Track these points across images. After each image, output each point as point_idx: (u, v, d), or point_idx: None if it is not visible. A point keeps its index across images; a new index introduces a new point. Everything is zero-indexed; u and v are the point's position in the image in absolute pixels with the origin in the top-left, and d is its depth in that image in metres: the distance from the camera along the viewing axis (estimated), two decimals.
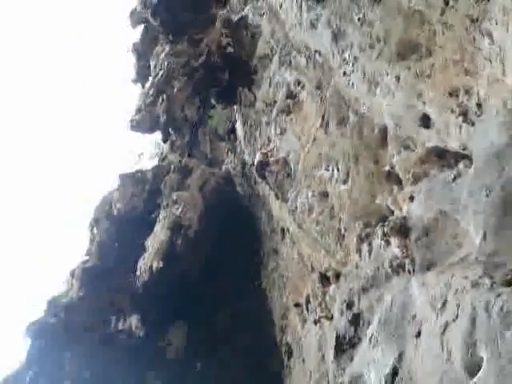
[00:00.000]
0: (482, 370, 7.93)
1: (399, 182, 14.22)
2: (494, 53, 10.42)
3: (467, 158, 11.60)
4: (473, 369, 8.14)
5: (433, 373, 9.17)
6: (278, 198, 21.58)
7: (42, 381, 29.51)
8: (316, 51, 18.17)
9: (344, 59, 16.15)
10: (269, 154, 21.65)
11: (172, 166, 31.19)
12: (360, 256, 15.14)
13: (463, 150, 11.70)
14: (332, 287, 17.32)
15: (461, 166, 11.76)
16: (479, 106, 11.07)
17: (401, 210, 13.94)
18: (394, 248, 13.26)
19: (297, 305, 21.26)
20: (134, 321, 28.37)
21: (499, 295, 8.10)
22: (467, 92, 11.46)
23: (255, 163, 22.31)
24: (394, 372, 10.82)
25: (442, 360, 8.95)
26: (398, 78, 13.66)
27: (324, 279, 17.97)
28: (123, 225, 30.33)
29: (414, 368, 10.14)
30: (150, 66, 33.41)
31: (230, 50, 26.84)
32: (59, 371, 28.83)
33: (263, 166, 21.64)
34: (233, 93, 26.71)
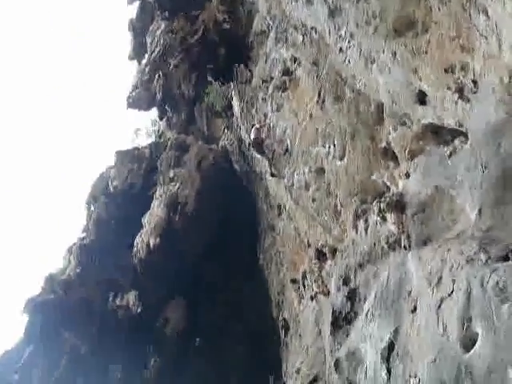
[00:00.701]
0: (477, 344, 8.00)
1: (395, 159, 14.26)
2: (489, 29, 10.39)
3: (463, 134, 11.62)
4: (468, 343, 8.21)
5: (428, 347, 9.24)
6: (273, 176, 21.60)
7: (41, 356, 29.69)
8: (312, 28, 18.09)
9: (340, 36, 16.08)
10: (262, 129, 21.66)
11: (169, 143, 31.17)
12: (356, 232, 15.19)
13: (459, 126, 11.71)
14: (328, 263, 17.40)
15: (457, 142, 11.78)
16: (475, 82, 11.07)
17: (397, 186, 13.99)
18: (390, 224, 13.31)
19: (293, 281, 21.36)
20: (131, 297, 28.49)
21: (494, 270, 8.15)
22: (463, 68, 11.44)
23: (251, 139, 22.34)
24: (390, 346, 10.89)
25: (438, 335, 9.01)
26: (394, 55, 13.61)
27: (320, 255, 18.05)
28: (120, 202, 30.38)
29: (409, 343, 10.21)
30: (146, 42, 33.30)
31: (226, 26, 26.73)
32: (58, 346, 28.99)
33: (259, 141, 21.67)
34: (229, 69, 26.63)
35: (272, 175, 21.60)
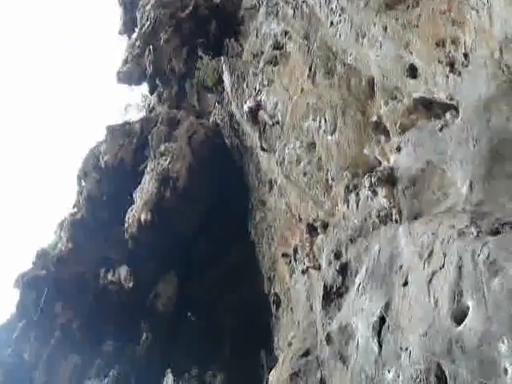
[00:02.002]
0: (468, 317, 8.05)
1: (387, 133, 14.25)
2: (480, 2, 10.38)
3: (454, 108, 11.63)
4: (459, 316, 8.26)
5: (420, 321, 9.29)
6: (263, 150, 21.58)
7: (34, 330, 29.76)
8: (303, 1, 18.06)
9: (331, 9, 16.04)
10: (257, 100, 21.64)
11: (160, 118, 31.03)
12: (348, 206, 15.21)
13: (450, 100, 11.71)
14: (320, 237, 17.43)
15: (448, 116, 11.79)
16: (466, 56, 11.07)
17: (388, 160, 13.99)
18: (382, 198, 13.34)
19: (285, 255, 21.37)
20: (123, 272, 28.53)
21: (485, 244, 8.19)
22: (454, 42, 11.44)
23: (247, 108, 22.25)
24: (382, 320, 10.94)
25: (429, 308, 9.06)
26: (385, 29, 13.59)
27: (312, 229, 18.06)
28: (111, 177, 30.30)
29: (401, 316, 10.26)
30: (136, 17, 33.12)
31: (216, 0, 26.63)
32: (50, 321, 29.05)
33: (255, 110, 21.60)
34: (220, 44, 26.57)
35: (262, 149, 21.58)
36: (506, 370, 7.14)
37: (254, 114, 21.70)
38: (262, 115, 21.13)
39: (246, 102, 22.49)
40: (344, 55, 15.93)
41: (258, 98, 21.60)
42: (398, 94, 13.67)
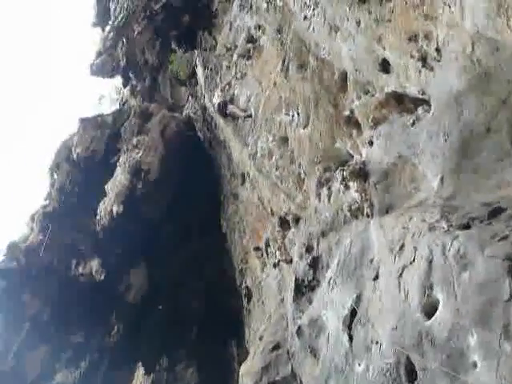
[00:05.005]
0: (438, 311, 8.09)
1: (359, 127, 14.29)
2: None
3: (426, 102, 11.69)
4: (429, 310, 8.30)
5: (390, 314, 9.33)
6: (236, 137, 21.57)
7: (3, 321, 29.57)
8: None
9: (305, 3, 16.05)
10: (226, 93, 21.64)
11: (132, 111, 30.92)
12: (319, 200, 15.23)
13: (422, 94, 11.78)
14: (291, 231, 17.46)
15: (420, 110, 11.86)
16: (438, 50, 11.12)
17: (360, 154, 14.04)
18: (353, 192, 13.37)
19: (256, 248, 21.41)
20: (94, 264, 28.42)
21: (455, 238, 8.23)
22: (426, 37, 11.49)
23: (215, 103, 22.25)
24: (352, 313, 10.98)
25: (399, 302, 9.10)
26: (358, 23, 13.62)
27: (283, 223, 18.09)
28: (83, 169, 30.15)
29: (371, 309, 10.30)
30: (109, 8, 32.90)
31: None
32: (20, 313, 28.90)
33: (223, 106, 21.62)
34: (193, 37, 26.50)
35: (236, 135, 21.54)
36: (474, 363, 7.20)
37: (222, 109, 21.72)
38: (232, 109, 21.15)
39: (213, 96, 22.52)
40: (317, 49, 15.94)
41: (231, 91, 21.60)
42: (370, 88, 13.72)
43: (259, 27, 19.83)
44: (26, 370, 28.99)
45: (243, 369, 16.71)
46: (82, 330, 28.76)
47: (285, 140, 17.79)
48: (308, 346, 12.97)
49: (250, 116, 19.95)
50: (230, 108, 21.24)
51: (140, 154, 27.48)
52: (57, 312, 28.31)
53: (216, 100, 22.19)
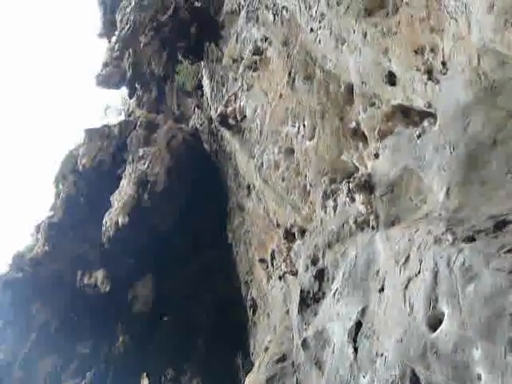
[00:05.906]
0: (443, 324, 8.09)
1: (365, 139, 14.29)
2: (459, 10, 10.43)
3: (432, 115, 11.69)
4: (434, 323, 8.29)
5: (395, 326, 9.32)
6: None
7: (10, 332, 29.64)
8: (283, 7, 18.06)
9: (311, 15, 16.05)
10: (228, 107, 21.67)
11: (139, 122, 30.99)
12: (325, 212, 15.25)
13: (428, 107, 11.78)
14: (297, 243, 17.45)
15: (426, 123, 11.86)
16: (444, 63, 11.13)
17: (366, 166, 14.05)
18: (359, 204, 13.37)
19: (262, 260, 21.42)
20: (99, 276, 28.46)
21: (461, 251, 8.23)
22: (432, 50, 11.50)
23: (215, 118, 22.32)
24: (358, 325, 10.97)
25: (405, 314, 9.10)
26: (364, 35, 13.62)
27: (289, 235, 18.08)
28: (89, 180, 30.25)
29: (376, 322, 10.29)
30: (116, 20, 32.98)
31: (197, 4, 26.59)
32: (27, 324, 28.97)
33: (224, 116, 21.66)
34: (200, 48, 26.51)
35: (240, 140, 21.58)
36: (479, 376, 7.19)
37: (224, 120, 21.77)
38: (230, 117, 21.23)
39: (216, 111, 22.59)
40: (323, 61, 15.95)
41: (237, 103, 21.62)
42: (376, 101, 13.71)
43: (266, 39, 19.85)
44: (33, 380, 29.05)
45: (248, 380, 16.71)
46: (89, 341, 28.81)
47: (291, 152, 17.79)
48: (313, 358, 12.95)
49: (245, 116, 20.05)
50: (230, 119, 21.28)
51: (146, 165, 27.55)
52: (63, 323, 28.38)
53: (215, 115, 22.24)
